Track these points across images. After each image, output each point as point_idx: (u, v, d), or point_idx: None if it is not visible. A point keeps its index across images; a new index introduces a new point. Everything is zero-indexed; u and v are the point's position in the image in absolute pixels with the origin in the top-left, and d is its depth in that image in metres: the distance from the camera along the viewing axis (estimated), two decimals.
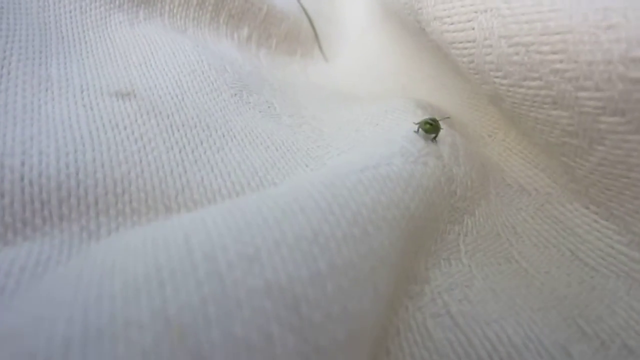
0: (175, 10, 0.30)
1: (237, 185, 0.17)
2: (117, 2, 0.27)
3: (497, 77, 0.21)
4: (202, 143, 0.19)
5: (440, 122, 0.22)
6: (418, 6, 0.26)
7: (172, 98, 0.21)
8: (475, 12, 0.21)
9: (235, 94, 0.24)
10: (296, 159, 0.20)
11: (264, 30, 0.35)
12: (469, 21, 0.22)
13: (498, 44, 0.20)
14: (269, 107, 0.25)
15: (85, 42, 0.23)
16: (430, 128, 0.21)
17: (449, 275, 0.18)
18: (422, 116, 0.23)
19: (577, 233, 0.20)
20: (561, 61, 0.17)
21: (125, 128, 0.18)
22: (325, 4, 0.44)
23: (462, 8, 0.23)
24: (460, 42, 0.23)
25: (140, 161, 0.16)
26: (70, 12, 0.25)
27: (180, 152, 0.18)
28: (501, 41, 0.20)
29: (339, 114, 0.27)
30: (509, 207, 0.22)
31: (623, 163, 0.17)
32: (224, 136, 0.20)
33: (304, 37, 0.38)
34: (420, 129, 0.21)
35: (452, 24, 0.23)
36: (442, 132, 0.21)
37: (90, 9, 0.26)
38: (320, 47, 0.40)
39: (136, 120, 0.18)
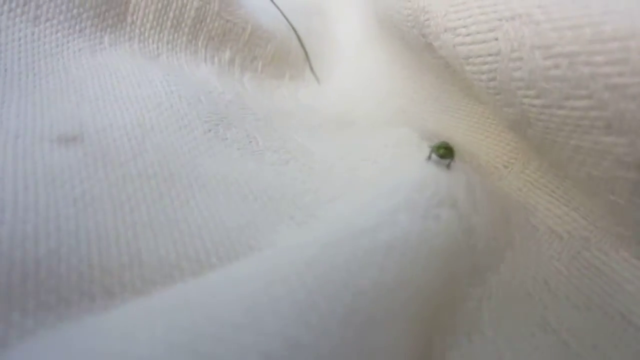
0: (147, 34, 0.27)
1: (201, 254, 0.14)
2: (77, 27, 0.24)
3: (527, 96, 0.17)
4: (161, 198, 0.15)
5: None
6: (424, 17, 0.23)
7: (129, 140, 0.17)
8: (500, 19, 0.18)
9: (210, 130, 0.21)
10: (279, 210, 0.17)
11: (249, 52, 0.31)
12: (491, 31, 0.18)
13: (531, 56, 0.16)
14: (250, 142, 0.22)
15: (34, 75, 0.20)
16: (445, 152, 0.19)
17: (470, 356, 0.14)
18: (427, 147, 0.19)
19: (628, 290, 0.16)
20: (620, 74, 0.13)
21: (63, 184, 0.14)
22: (317, 20, 0.41)
23: (482, 16, 0.19)
24: (479, 56, 0.19)
25: (77, 229, 0.13)
26: (20, 39, 0.22)
27: (131, 212, 0.14)
28: (535, 53, 0.16)
29: (332, 146, 0.23)
30: (538, 255, 0.18)
31: None
32: (190, 186, 0.16)
33: (293, 57, 0.35)
34: (433, 154, 0.19)
35: (468, 34, 0.20)
36: (454, 167, 0.18)
37: (45, 35, 0.23)
38: (311, 68, 0.37)
39: (79, 173, 0.15)
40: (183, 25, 0.28)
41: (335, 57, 0.39)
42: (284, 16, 0.35)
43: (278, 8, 0.34)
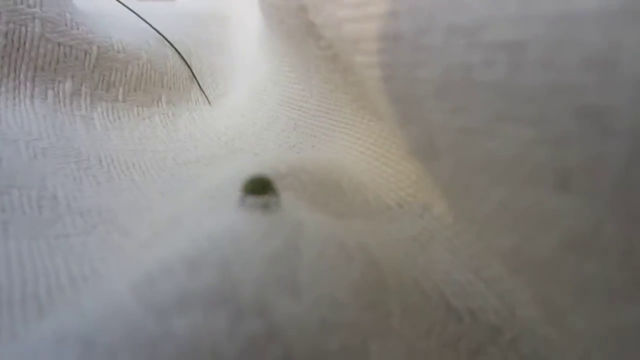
0: None
1: None
2: None
3: (438, 110, 0.11)
4: None
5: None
6: None
7: None
8: None
9: None
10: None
11: (100, 79, 0.25)
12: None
13: (447, 45, 0.10)
14: (40, 206, 0.16)
15: None
16: (257, 188, 0.12)
17: None
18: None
19: None
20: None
21: None
22: (214, 29, 0.36)
23: None
24: (373, 40, 0.13)
25: None
26: None
27: None
28: (455, 39, 0.10)
29: (172, 202, 0.17)
30: (426, 339, 0.12)
31: None
32: None
33: (171, 77, 0.29)
34: (245, 195, 0.12)
35: (358, 5, 0.13)
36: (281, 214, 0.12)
37: None
38: (200, 87, 0.31)
39: None
40: None
41: (232, 71, 0.33)
42: (150, 25, 0.29)
43: (138, 16, 0.28)
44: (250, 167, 0.16)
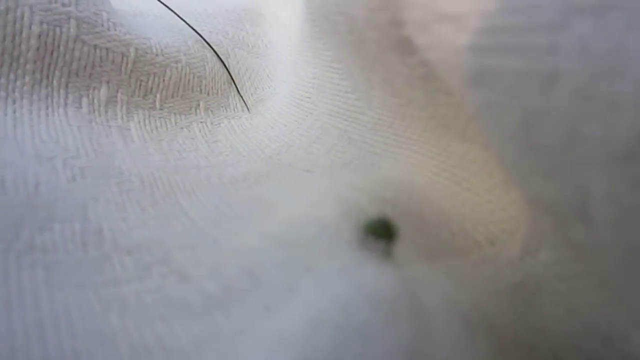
0: None
1: None
2: None
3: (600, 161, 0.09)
4: None
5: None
6: None
7: None
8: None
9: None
10: None
11: (138, 85, 0.23)
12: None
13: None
14: (85, 243, 0.14)
15: None
16: (380, 229, 0.12)
17: None
18: (349, 235, 0.11)
19: None
20: None
21: None
22: (250, 29, 0.33)
23: None
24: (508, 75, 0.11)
25: None
26: None
27: None
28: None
29: (233, 240, 0.15)
30: None
31: None
32: None
33: (210, 81, 0.27)
34: (366, 233, 0.11)
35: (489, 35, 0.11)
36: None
37: None
38: (238, 92, 0.28)
39: None
40: (21, 60, 0.19)
41: (270, 75, 0.31)
42: (191, 27, 0.26)
43: (180, 17, 0.26)
44: (325, 200, 0.14)
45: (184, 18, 0.26)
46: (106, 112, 0.22)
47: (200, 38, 0.27)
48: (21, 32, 0.19)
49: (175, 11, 0.27)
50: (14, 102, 0.19)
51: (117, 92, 0.22)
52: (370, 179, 0.18)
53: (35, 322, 0.10)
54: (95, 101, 0.22)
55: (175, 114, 0.25)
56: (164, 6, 0.26)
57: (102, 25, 0.21)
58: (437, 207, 0.16)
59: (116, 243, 0.14)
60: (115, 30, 0.22)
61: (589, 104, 0.09)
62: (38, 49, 0.20)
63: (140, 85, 0.23)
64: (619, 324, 0.12)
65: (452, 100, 0.15)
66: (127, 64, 0.23)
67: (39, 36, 0.20)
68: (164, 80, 0.24)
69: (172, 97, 0.25)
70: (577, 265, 0.13)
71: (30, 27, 0.19)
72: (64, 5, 0.20)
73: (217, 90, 0.27)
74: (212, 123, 0.26)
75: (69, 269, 0.12)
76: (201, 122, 0.25)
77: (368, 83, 0.21)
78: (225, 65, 0.28)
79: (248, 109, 0.28)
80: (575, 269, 0.13)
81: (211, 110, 0.26)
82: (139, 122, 0.23)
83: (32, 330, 0.10)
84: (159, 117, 0.24)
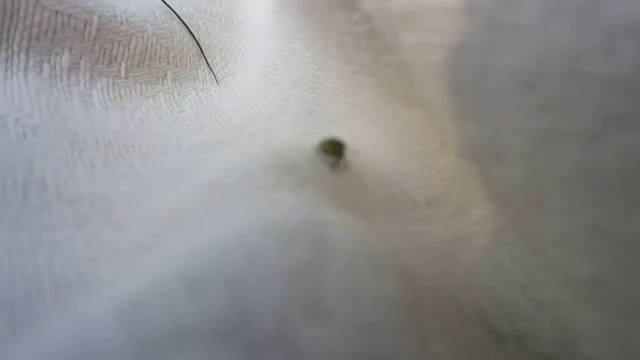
0: None
1: None
2: None
3: (518, 106, 0.09)
4: None
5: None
6: None
7: None
8: None
9: None
10: None
11: (102, 53, 0.23)
12: None
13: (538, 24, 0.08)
14: (26, 191, 0.14)
15: None
16: (331, 147, 0.15)
17: None
18: (271, 190, 0.12)
19: None
20: None
21: None
22: (221, 1, 0.33)
23: None
24: (434, 13, 0.11)
25: None
26: None
27: None
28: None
29: (174, 194, 0.15)
30: None
31: None
32: None
33: (178, 53, 0.27)
34: (320, 149, 0.15)
35: None
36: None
37: None
38: (207, 64, 0.28)
39: None
40: None
41: (243, 49, 0.31)
42: None
43: None
44: (261, 155, 0.14)
45: None
46: (68, 78, 0.22)
47: (168, 9, 0.27)
48: None
49: None
50: None
51: (80, 58, 0.23)
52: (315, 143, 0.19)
53: None
54: (57, 67, 0.22)
55: (141, 83, 0.25)
56: None
57: None
58: (380, 172, 0.16)
59: (59, 194, 0.14)
60: None
61: (499, 35, 0.09)
62: None
63: (104, 53, 0.23)
64: (537, 272, 0.12)
65: (395, 60, 0.15)
66: (90, 31, 0.23)
67: None
68: (129, 49, 0.24)
69: (138, 66, 0.25)
70: (501, 219, 0.13)
71: None
72: None
73: (186, 62, 0.27)
74: (179, 94, 0.26)
75: (6, 213, 0.13)
76: (167, 92, 0.26)
77: (325, 51, 0.21)
78: (194, 37, 0.28)
79: (217, 81, 0.28)
80: (500, 222, 0.13)
81: (179, 82, 0.26)
82: (102, 89, 0.23)
83: None
84: (124, 86, 0.24)
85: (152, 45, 0.25)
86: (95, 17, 0.23)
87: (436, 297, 0.12)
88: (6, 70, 0.20)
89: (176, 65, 0.27)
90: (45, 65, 0.21)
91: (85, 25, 0.23)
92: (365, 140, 0.18)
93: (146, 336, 0.06)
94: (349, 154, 0.16)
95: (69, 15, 0.22)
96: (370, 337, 0.09)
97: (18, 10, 0.20)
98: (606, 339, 0.09)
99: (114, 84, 0.24)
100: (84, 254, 0.12)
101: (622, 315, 0.08)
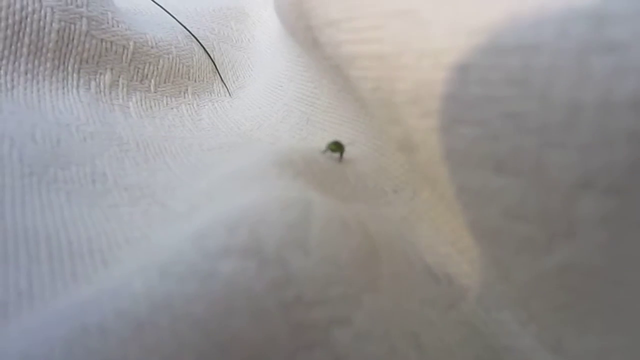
0: None
1: None
2: None
3: (411, 115, 0.14)
4: None
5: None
6: (307, 6, 0.20)
7: None
8: (385, 15, 0.15)
9: (31, 173, 0.17)
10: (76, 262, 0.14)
11: (136, 71, 0.28)
12: (376, 29, 0.15)
13: (417, 65, 0.13)
14: (93, 180, 0.19)
15: None
16: (336, 146, 0.21)
17: None
18: (275, 178, 0.16)
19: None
20: (520, 98, 0.10)
21: None
22: (234, 25, 0.38)
23: (369, 8, 0.16)
24: (364, 59, 0.16)
25: None
26: None
27: None
28: (422, 61, 0.13)
29: (203, 182, 0.20)
30: (409, 298, 0.15)
31: (592, 272, 0.11)
32: None
33: (197, 70, 0.32)
34: (328, 149, 0.21)
35: (352, 30, 0.17)
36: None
37: None
38: (221, 79, 0.34)
39: None
40: (44, 50, 0.25)
41: (251, 65, 0.36)
42: (182, 24, 0.32)
43: (172, 16, 0.31)
44: (267, 155, 0.19)
45: (175, 16, 0.32)
46: (110, 93, 0.27)
47: (189, 33, 0.32)
48: (44, 28, 0.24)
49: (168, 10, 0.32)
50: (37, 82, 0.24)
51: (119, 77, 0.28)
52: (313, 148, 0.24)
53: (60, 221, 0.16)
54: (101, 84, 0.27)
55: (167, 96, 0.30)
56: (158, 6, 0.31)
57: (108, 23, 0.27)
58: (359, 169, 0.21)
59: (116, 183, 0.19)
60: (118, 27, 0.27)
61: (399, 71, 0.14)
62: (57, 41, 0.25)
63: (137, 72, 0.29)
64: (461, 233, 0.17)
65: (350, 83, 0.20)
66: (127, 54, 0.28)
67: (58, 31, 0.25)
68: (157, 68, 0.29)
69: (165, 82, 0.30)
70: (435, 195, 0.18)
71: (51, 24, 0.25)
72: (77, 6, 0.25)
73: (203, 78, 0.32)
74: (197, 105, 0.31)
75: (83, 194, 0.18)
76: (188, 104, 0.31)
77: (319, 73, 0.26)
78: (210, 57, 0.33)
79: (230, 94, 0.33)
80: (437, 196, 0.18)
81: (197, 95, 0.31)
82: (137, 102, 0.28)
83: (59, 224, 0.15)
84: (153, 99, 0.29)
85: (176, 64, 0.31)
86: (132, 43, 0.28)
87: (390, 252, 0.16)
88: (63, 88, 0.25)
89: (195, 81, 0.32)
90: (92, 83, 0.27)
91: (123, 50, 0.28)
92: (351, 144, 0.23)
93: (208, 251, 0.11)
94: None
95: (111, 42, 0.27)
96: (337, 268, 0.13)
97: (73, 39, 0.26)
98: (490, 264, 0.13)
99: (145, 98, 0.29)
100: (142, 222, 0.17)
101: (491, 243, 0.13)
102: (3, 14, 0.24)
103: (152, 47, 0.29)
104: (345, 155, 0.22)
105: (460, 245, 0.16)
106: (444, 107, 0.13)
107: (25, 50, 0.24)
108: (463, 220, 0.15)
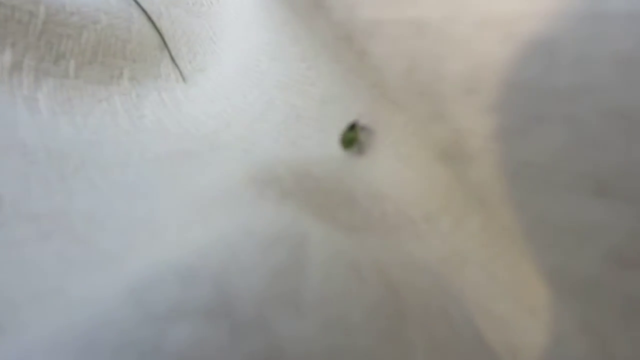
0: None
1: None
2: None
3: (466, 108, 0.14)
4: None
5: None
6: None
7: None
8: None
9: None
10: None
11: (47, 48, 0.28)
12: None
13: (478, 36, 0.13)
14: None
15: None
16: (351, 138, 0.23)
17: None
18: (251, 203, 0.16)
19: None
20: None
21: None
22: None
23: None
24: (394, 25, 0.16)
25: None
26: None
27: None
28: (486, 31, 0.13)
29: (145, 211, 0.20)
30: None
31: None
32: None
33: (136, 46, 0.32)
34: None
35: None
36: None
37: None
38: (173, 60, 0.33)
39: None
40: None
41: (214, 38, 0.36)
42: None
43: None
44: (242, 168, 0.18)
45: None
46: (10, 79, 0.26)
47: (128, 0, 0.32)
48: None
49: None
50: None
51: (24, 56, 0.27)
52: (306, 156, 0.23)
53: None
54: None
55: (92, 84, 0.29)
56: None
57: None
58: (373, 188, 0.21)
59: (17, 210, 0.19)
60: None
61: (450, 45, 0.14)
62: None
63: (51, 49, 0.28)
64: (531, 286, 0.16)
65: (376, 64, 0.20)
66: (35, 24, 0.27)
67: None
68: (79, 43, 0.29)
69: (90, 63, 0.30)
70: (495, 225, 0.17)
71: None
72: None
73: (145, 57, 0.32)
74: (137, 95, 0.30)
75: None
76: (124, 94, 0.30)
77: (314, 48, 0.26)
78: (155, 26, 0.33)
79: (184, 79, 0.33)
80: (495, 228, 0.17)
81: (137, 80, 0.31)
82: (49, 92, 0.27)
83: None
84: (73, 88, 0.29)
85: (106, 38, 0.30)
86: (42, 8, 0.28)
87: (424, 311, 0.16)
88: None
89: (134, 61, 0.32)
90: None
91: (30, 18, 0.27)
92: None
93: (152, 311, 0.11)
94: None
95: (12, 6, 0.27)
96: (347, 334, 0.13)
97: None
98: (578, 331, 0.13)
99: (61, 86, 0.28)
100: (56, 269, 0.16)
101: (584, 299, 0.12)
102: None
103: (72, 14, 0.29)
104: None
105: (531, 302, 0.16)
106: (517, 98, 0.12)
107: None
108: (537, 264, 0.14)
